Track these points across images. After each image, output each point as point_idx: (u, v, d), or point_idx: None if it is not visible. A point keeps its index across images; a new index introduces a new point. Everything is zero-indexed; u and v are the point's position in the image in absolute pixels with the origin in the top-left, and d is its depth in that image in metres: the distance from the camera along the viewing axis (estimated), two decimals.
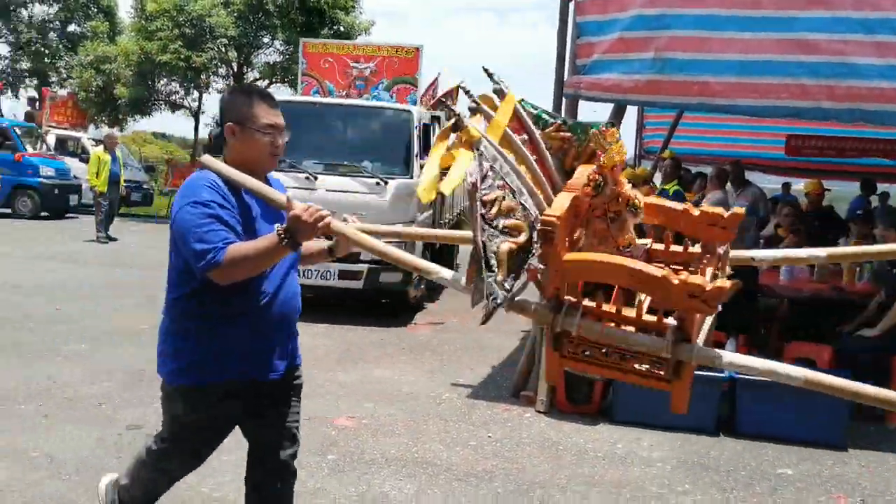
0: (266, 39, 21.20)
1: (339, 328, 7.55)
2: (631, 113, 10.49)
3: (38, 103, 22.67)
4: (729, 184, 8.58)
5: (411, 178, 7.73)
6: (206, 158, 2.56)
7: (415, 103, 9.13)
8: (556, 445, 4.83)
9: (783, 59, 4.87)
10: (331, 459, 4.36)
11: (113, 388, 5.32)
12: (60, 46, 26.88)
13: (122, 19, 27.62)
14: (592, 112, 12.02)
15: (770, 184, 14.04)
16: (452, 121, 2.18)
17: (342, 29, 21.87)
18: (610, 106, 5.70)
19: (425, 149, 7.95)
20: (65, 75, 25.89)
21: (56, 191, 16.66)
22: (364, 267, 7.59)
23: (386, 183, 7.63)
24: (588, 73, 5.30)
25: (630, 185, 7.71)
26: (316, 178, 7.68)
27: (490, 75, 2.35)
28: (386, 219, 7.14)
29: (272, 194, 2.46)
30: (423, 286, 8.57)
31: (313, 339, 7.10)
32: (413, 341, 7.32)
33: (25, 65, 27.17)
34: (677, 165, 9.32)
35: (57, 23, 27.33)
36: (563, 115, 5.49)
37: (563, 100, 5.46)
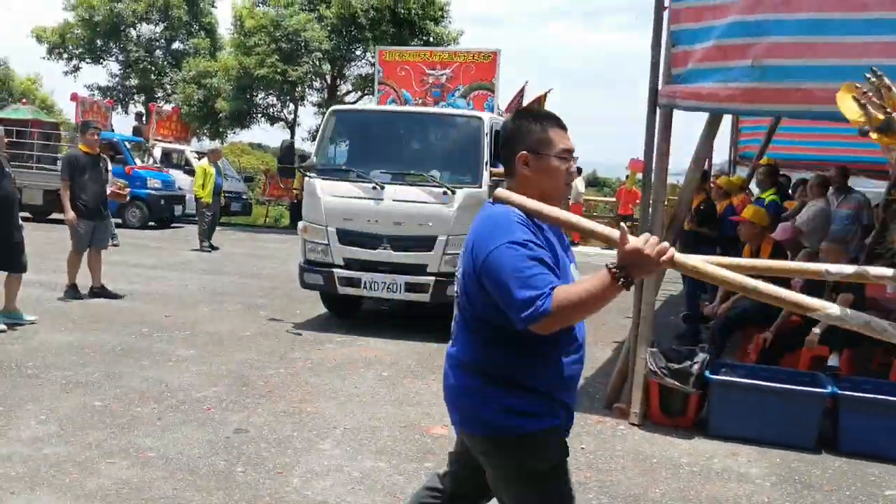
0: (358, 52, 21.70)
1: (429, 337, 7.67)
2: (725, 117, 10.22)
3: (145, 118, 23.86)
4: (831, 191, 8.28)
5: (480, 186, 7.38)
6: (504, 193, 2.35)
7: (492, 110, 8.95)
8: (650, 458, 4.78)
9: (892, 62, 4.68)
10: (428, 467, 4.45)
11: (220, 392, 5.58)
12: (165, 63, 28.24)
13: (222, 36, 28.83)
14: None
15: (878, 188, 13.40)
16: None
17: (432, 39, 22.16)
18: (705, 115, 5.61)
19: (496, 156, 7.53)
20: (169, 91, 27.17)
21: (162, 201, 17.56)
22: (430, 279, 7.33)
23: (454, 192, 7.30)
24: (683, 81, 5.23)
25: (723, 192, 7.57)
26: (383, 188, 7.46)
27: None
28: (454, 230, 7.19)
29: (603, 230, 2.21)
30: None
31: (406, 348, 7.26)
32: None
33: (133, 82, 28.61)
34: (772, 173, 9.05)
35: (162, 41, 28.73)
36: (657, 124, 5.45)
37: (658, 109, 5.41)
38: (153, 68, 28.07)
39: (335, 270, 7.55)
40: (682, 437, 5.16)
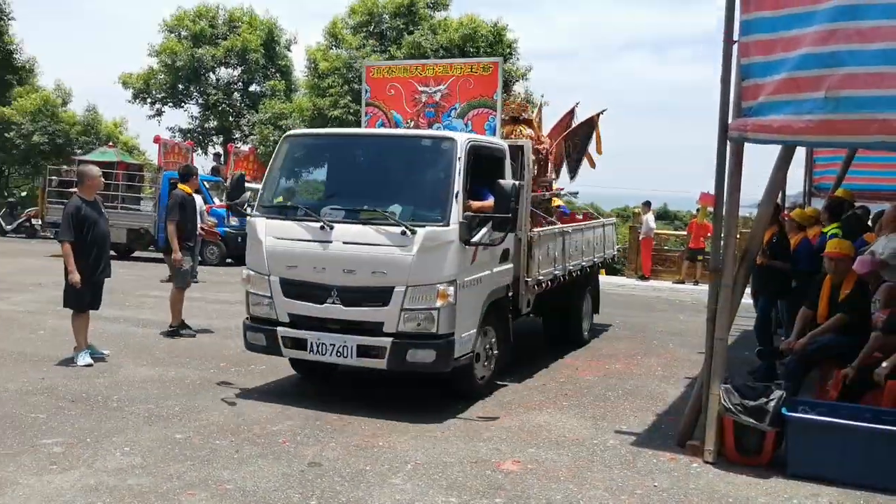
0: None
1: (500, 375, 7.67)
2: (799, 149, 9.96)
3: (223, 158, 24.75)
4: None
5: (447, 224, 5.95)
6: None
7: (493, 132, 7.71)
8: (726, 498, 4.67)
9: None
10: (497, 503, 4.45)
11: (295, 426, 5.72)
12: (243, 105, 29.30)
13: (297, 78, 29.81)
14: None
15: None
16: None
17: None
18: (777, 148, 5.53)
19: (477, 185, 6.49)
20: (247, 132, 28.13)
21: (239, 239, 18.06)
22: (386, 341, 5.93)
23: (413, 232, 5.86)
24: (754, 114, 5.18)
25: (797, 225, 7.37)
26: (332, 228, 6.08)
27: None
28: (413, 279, 5.87)
29: None
30: (493, 363, 6.86)
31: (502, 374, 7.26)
32: (576, 387, 7.32)
33: (213, 123, 29.77)
34: (835, 206, 8.84)
35: (240, 84, 29.87)
36: (728, 157, 5.40)
37: (728, 142, 5.37)
38: (231, 110, 29.16)
39: (279, 329, 6.25)
40: (759, 477, 5.02)
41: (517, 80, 22.70)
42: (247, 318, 6.56)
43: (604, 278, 18.30)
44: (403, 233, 5.88)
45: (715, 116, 5.44)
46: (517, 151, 7.57)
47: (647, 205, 18.53)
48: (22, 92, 28.23)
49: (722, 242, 5.44)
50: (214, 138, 30.15)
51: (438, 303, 5.87)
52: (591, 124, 10.17)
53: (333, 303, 6.04)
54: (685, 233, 19.17)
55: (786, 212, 9.42)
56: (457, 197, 6.03)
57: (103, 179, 8.54)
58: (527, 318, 8.41)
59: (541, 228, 7.97)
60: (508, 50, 24.30)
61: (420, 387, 6.91)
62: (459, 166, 6.11)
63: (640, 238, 17.86)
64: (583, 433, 5.85)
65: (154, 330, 9.21)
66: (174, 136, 28.18)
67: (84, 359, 7.36)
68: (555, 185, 10.02)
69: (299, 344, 6.19)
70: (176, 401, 6.32)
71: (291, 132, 7.34)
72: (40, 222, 21.53)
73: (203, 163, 25.92)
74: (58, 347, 7.24)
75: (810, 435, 5.05)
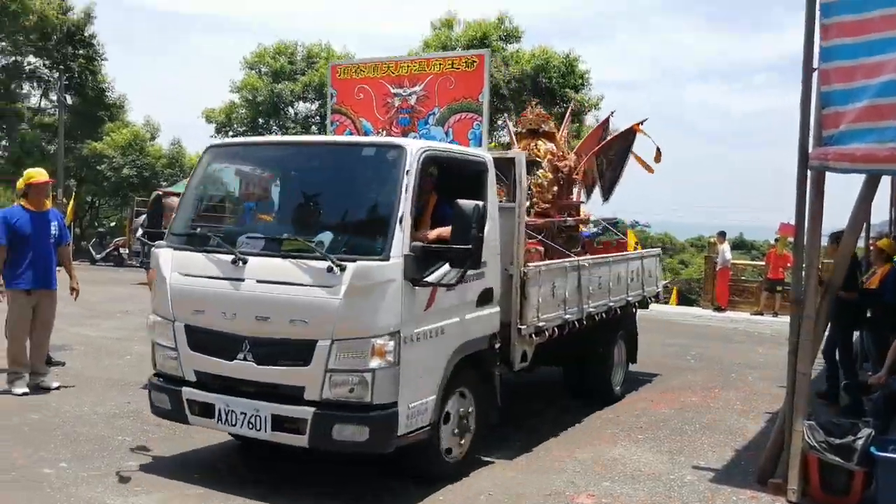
0: (500, 122, 22.28)
1: (571, 405, 7.61)
2: (885, 178, 9.61)
3: None
4: None
5: (387, 259, 4.57)
6: None
7: (479, 141, 6.38)
8: None
9: None
10: None
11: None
12: None
13: None
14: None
15: None
16: None
17: (572, 107, 22.43)
18: (861, 177, 5.39)
19: (445, 206, 5.18)
20: None
21: None
22: (308, 412, 4.58)
23: (341, 269, 4.52)
24: (836, 143, 5.06)
25: (885, 255, 7.11)
26: (245, 263, 4.81)
27: None
28: (341, 330, 4.52)
29: None
30: (469, 434, 5.42)
31: (555, 414, 7.22)
32: (651, 419, 7.19)
33: None
34: None
35: (317, 118, 30.65)
36: (808, 187, 5.29)
37: (808, 172, 5.26)
38: None
39: (184, 390, 5.01)
40: None
41: (589, 110, 22.67)
42: (154, 375, 5.35)
43: (678, 309, 18.06)
44: (329, 269, 4.53)
45: (793, 144, 5.35)
46: (509, 166, 6.24)
47: (723, 235, 18.14)
48: (113, 128, 29.86)
49: (803, 273, 5.31)
50: None
51: (373, 362, 4.48)
52: (628, 136, 9.01)
53: (245, 359, 4.76)
54: (763, 263, 18.69)
55: (872, 241, 9.10)
56: (401, 222, 4.64)
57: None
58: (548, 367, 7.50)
59: (541, 262, 6.52)
60: (581, 80, 24.36)
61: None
62: (407, 182, 4.75)
63: (717, 269, 17.46)
64: (659, 468, 5.74)
65: None
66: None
67: None
68: (584, 210, 8.89)
69: (207, 410, 4.92)
70: None
71: (215, 142, 5.99)
72: (127, 251, 22.48)
73: None
74: (143, 373, 7.45)
75: None
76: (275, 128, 30.16)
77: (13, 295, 7.16)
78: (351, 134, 6.92)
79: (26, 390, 7.15)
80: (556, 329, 6.51)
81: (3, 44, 30.43)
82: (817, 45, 5.17)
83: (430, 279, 4.78)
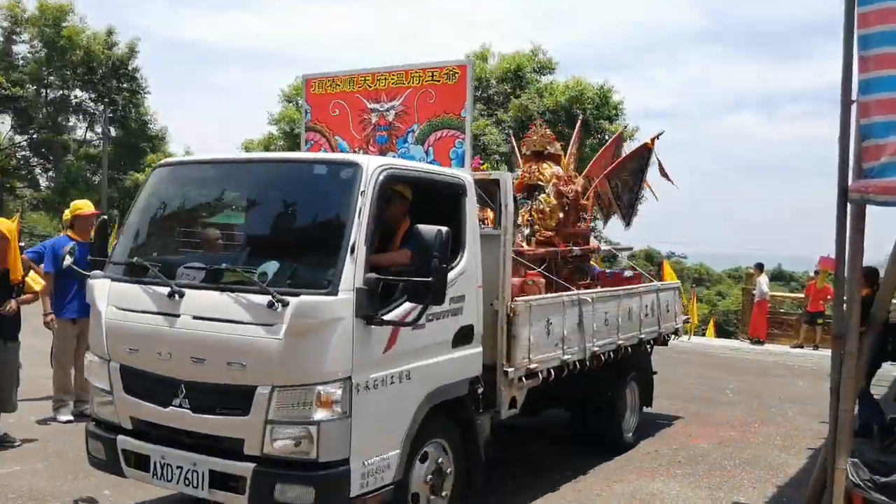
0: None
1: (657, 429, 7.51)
2: None
3: None
4: None
5: (334, 293, 3.96)
6: None
7: (461, 162, 5.76)
8: None
9: None
10: None
11: None
12: None
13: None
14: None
15: None
16: None
17: (606, 138, 22.47)
18: None
19: (391, 232, 4.72)
20: None
21: None
22: (247, 468, 4.01)
23: (284, 304, 3.93)
24: (877, 175, 5.00)
25: None
26: (181, 296, 4.24)
27: None
28: (281, 375, 3.95)
29: None
30: (446, 493, 4.79)
31: (583, 450, 7.14)
32: (690, 454, 7.09)
33: None
34: None
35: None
36: (848, 220, 5.23)
37: (849, 206, 5.21)
38: None
39: (119, 438, 4.48)
40: None
41: (625, 141, 22.67)
42: (91, 421, 4.80)
43: (715, 341, 17.82)
44: (270, 304, 3.94)
45: (831, 174, 5.31)
46: (495, 188, 5.72)
47: (760, 267, 17.89)
48: (154, 158, 30.60)
49: (844, 307, 5.23)
50: None
51: (319, 414, 3.90)
52: (643, 154, 8.44)
53: (180, 405, 4.20)
54: (802, 295, 18.40)
55: None
56: (353, 251, 4.03)
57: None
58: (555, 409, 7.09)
59: (533, 296, 5.82)
60: (615, 111, 24.43)
61: None
62: (361, 204, 4.14)
63: (755, 301, 17.21)
64: None
65: None
66: None
67: None
68: (594, 240, 8.30)
69: (142, 462, 4.37)
70: None
71: (164, 160, 5.49)
72: None
73: None
74: None
75: None
76: None
77: (61, 324, 7.32)
78: (325, 153, 6.23)
79: (71, 417, 7.29)
80: (552, 371, 5.80)
81: (52, 78, 31.53)
82: (856, 76, 5.15)
83: (387, 317, 4.17)
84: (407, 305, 4.24)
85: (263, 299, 3.95)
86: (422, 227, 4.13)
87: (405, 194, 4.79)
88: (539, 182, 7.52)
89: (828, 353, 5.67)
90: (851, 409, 5.18)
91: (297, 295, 3.92)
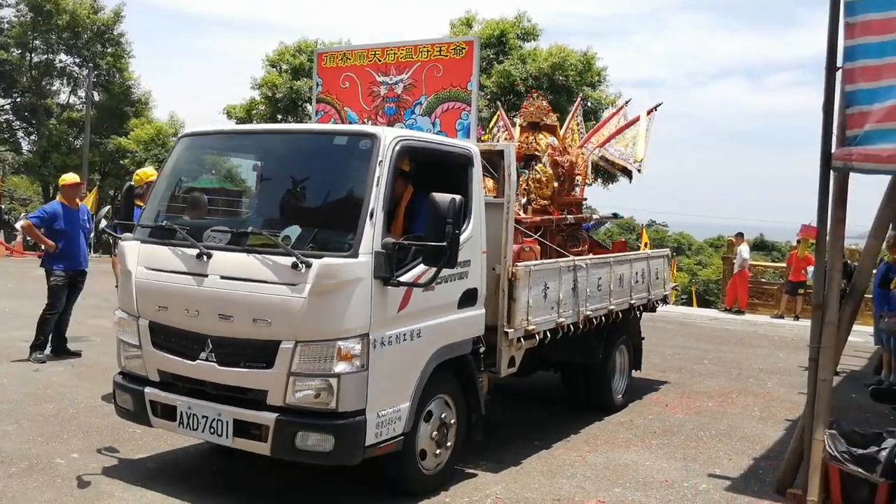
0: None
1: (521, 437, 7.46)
2: None
3: None
4: None
5: (355, 256, 4.30)
6: None
7: (467, 134, 6.09)
8: None
9: None
10: None
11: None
12: None
13: None
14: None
15: None
16: None
17: (589, 104, 22.28)
18: (885, 178, 5.22)
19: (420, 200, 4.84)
20: None
21: None
22: (270, 418, 4.35)
23: (307, 265, 4.26)
24: (860, 143, 4.90)
25: None
26: (209, 257, 4.55)
27: None
28: (305, 330, 4.28)
29: None
30: (449, 444, 5.11)
31: (560, 419, 7.11)
32: (665, 424, 7.05)
33: None
34: None
35: None
36: (831, 187, 5.13)
37: (831, 173, 5.10)
38: None
39: (146, 391, 4.80)
40: None
41: (606, 108, 22.50)
42: (119, 374, 5.12)
43: (695, 311, 17.87)
44: (294, 266, 4.27)
45: (816, 144, 5.20)
46: (497, 158, 5.93)
47: (741, 235, 17.88)
48: (137, 123, 30.38)
49: (825, 277, 5.15)
50: None
51: (339, 367, 4.24)
52: (637, 122, 8.47)
53: (207, 359, 4.54)
54: (784, 265, 18.44)
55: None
56: (372, 216, 4.36)
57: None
58: (547, 373, 7.37)
59: (532, 262, 6.13)
60: (598, 78, 24.20)
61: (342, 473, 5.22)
62: (380, 174, 4.46)
63: (735, 270, 17.21)
64: (672, 475, 5.60)
65: None
66: None
67: None
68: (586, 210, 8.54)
69: (169, 413, 4.70)
70: None
71: (189, 130, 5.69)
72: None
73: None
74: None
75: None
76: (293, 123, 30.26)
77: (54, 276, 8.32)
78: (335, 124, 6.59)
79: (48, 352, 8.36)
80: (548, 333, 6.09)
81: (37, 42, 31.24)
82: (841, 43, 5.02)
83: (402, 279, 4.49)
84: (419, 268, 4.57)
85: (288, 261, 4.28)
86: (436, 195, 4.40)
87: (405, 168, 5.00)
88: (535, 152, 7.83)
89: (808, 323, 5.60)
90: (830, 380, 5.13)
91: (319, 257, 4.27)
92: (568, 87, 22.21)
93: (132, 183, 6.52)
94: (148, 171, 7.73)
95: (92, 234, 9.35)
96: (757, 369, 10.17)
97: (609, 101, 23.63)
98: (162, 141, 29.57)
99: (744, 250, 17.26)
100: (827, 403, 5.07)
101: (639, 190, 8.88)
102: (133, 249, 4.95)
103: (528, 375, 6.61)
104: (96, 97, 31.50)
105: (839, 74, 5.06)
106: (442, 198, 4.39)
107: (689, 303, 22.27)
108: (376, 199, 4.40)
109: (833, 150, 5.08)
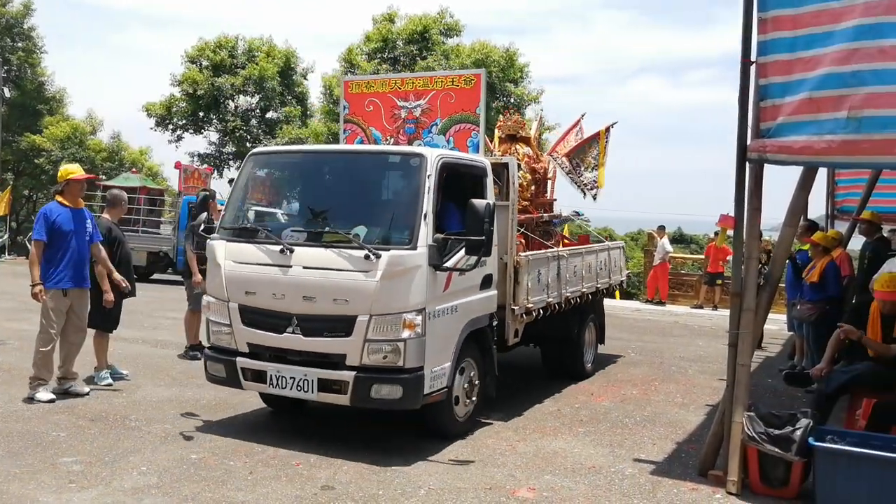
0: (497, 133, 22.24)
1: (516, 398, 7.58)
2: (820, 170, 9.73)
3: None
4: None
5: (414, 248, 5.51)
6: None
7: (476, 149, 7.39)
8: None
9: None
10: None
11: (309, 448, 5.67)
12: (260, 131, 29.67)
13: (313, 104, 30.09)
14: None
15: None
16: None
17: (511, 101, 22.50)
18: (798, 169, 5.45)
19: (449, 204, 6.15)
20: None
21: None
22: (349, 375, 5.50)
23: (377, 256, 5.45)
24: (773, 135, 5.11)
25: (822, 249, 7.22)
26: (292, 252, 5.70)
27: None
28: (377, 307, 5.43)
29: None
30: (474, 399, 6.41)
31: (496, 405, 7.16)
32: (592, 412, 7.20)
33: (230, 149, 30.05)
34: (809, 228, 9.09)
35: (257, 111, 30.18)
36: (747, 179, 5.33)
37: (747, 164, 5.30)
38: (249, 136, 29.49)
39: (238, 360, 5.87)
40: None
41: (529, 104, 22.77)
42: (208, 348, 6.20)
43: (618, 303, 18.26)
44: (367, 257, 5.43)
45: (731, 139, 5.39)
46: (502, 170, 7.10)
47: (662, 228, 18.38)
48: (52, 121, 29.06)
49: (743, 266, 5.35)
50: (231, 163, 30.42)
51: (405, 333, 5.42)
52: (596, 140, 9.78)
53: (293, 332, 5.65)
54: (703, 256, 19.03)
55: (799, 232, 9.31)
56: (425, 218, 5.60)
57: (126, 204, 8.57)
58: (526, 347, 8.23)
59: (530, 252, 7.53)
60: (520, 74, 24.48)
61: (390, 425, 6.41)
62: (429, 184, 5.70)
63: (656, 262, 17.68)
64: (599, 461, 5.73)
65: (171, 351, 9.24)
66: (193, 162, 28.43)
67: (104, 379, 7.43)
68: (556, 207, 9.64)
69: (259, 376, 5.78)
70: (191, 421, 6.31)
71: (257, 149, 6.89)
72: None
73: (219, 186, 26.11)
74: (78, 367, 7.22)
75: (839, 466, 4.87)
76: (215, 121, 29.56)
77: (53, 295, 6.79)
78: (361, 141, 7.92)
79: (52, 396, 6.78)
80: (541, 310, 7.37)
81: None
82: (755, 38, 5.20)
83: (448, 265, 5.72)
84: (457, 257, 5.79)
85: (360, 253, 5.47)
86: (475, 200, 5.68)
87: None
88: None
89: (726, 313, 5.80)
90: (748, 364, 5.32)
91: (387, 250, 5.48)
92: (491, 84, 22.37)
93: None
94: (70, 168, 7.25)
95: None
96: (678, 357, 10.49)
97: (531, 97, 23.93)
98: (79, 139, 28.33)
99: (665, 243, 17.73)
100: (746, 387, 5.27)
101: (562, 185, 9.49)
102: (220, 247, 6.04)
103: (510, 350, 7.47)
104: (7, 93, 30.07)
105: (753, 68, 5.26)
106: (480, 203, 5.64)
107: (611, 295, 22.74)
108: (428, 204, 5.65)
109: (748, 143, 5.28)
